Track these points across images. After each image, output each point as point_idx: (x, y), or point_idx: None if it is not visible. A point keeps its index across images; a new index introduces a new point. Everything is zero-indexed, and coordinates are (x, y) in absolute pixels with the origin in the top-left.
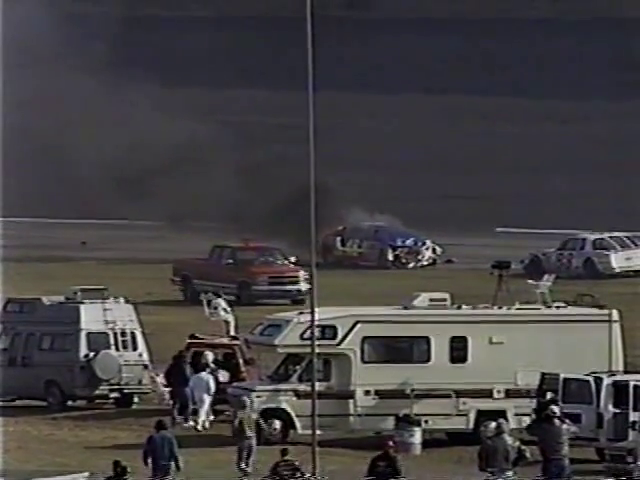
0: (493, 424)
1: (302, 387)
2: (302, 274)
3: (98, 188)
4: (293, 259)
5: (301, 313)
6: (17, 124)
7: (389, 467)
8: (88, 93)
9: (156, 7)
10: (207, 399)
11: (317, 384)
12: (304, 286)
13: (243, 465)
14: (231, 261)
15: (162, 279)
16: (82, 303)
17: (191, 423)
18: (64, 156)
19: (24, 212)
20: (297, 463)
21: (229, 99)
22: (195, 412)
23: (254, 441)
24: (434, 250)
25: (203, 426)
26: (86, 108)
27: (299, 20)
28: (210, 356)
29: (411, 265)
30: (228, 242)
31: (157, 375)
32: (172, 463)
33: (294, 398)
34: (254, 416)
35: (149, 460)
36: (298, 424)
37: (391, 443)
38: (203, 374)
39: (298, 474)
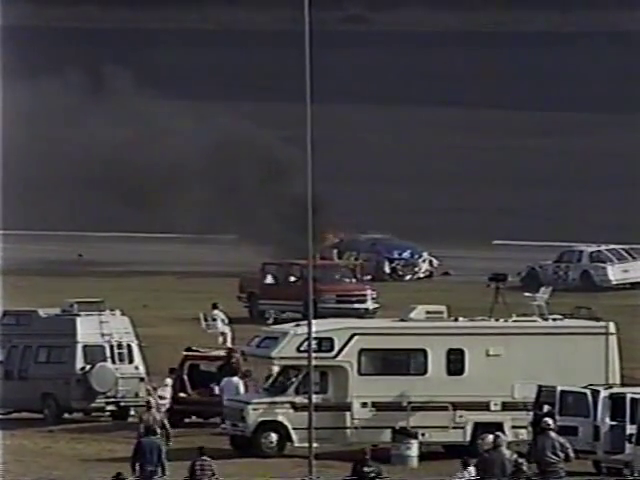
0: (490, 437)
1: (299, 399)
2: (370, 292)
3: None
4: (368, 278)
5: (298, 325)
6: (13, 136)
7: (377, 476)
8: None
9: (157, 21)
10: None
11: (314, 397)
12: (371, 305)
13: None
14: (295, 279)
15: (159, 291)
16: (78, 315)
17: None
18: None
19: (21, 224)
20: (212, 464)
21: (228, 111)
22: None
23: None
24: (431, 262)
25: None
26: (79, 122)
27: (298, 34)
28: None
29: (408, 277)
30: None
31: (155, 389)
32: (159, 469)
33: (291, 411)
34: (159, 417)
35: (137, 467)
36: (295, 437)
37: (367, 450)
38: (234, 378)
39: (211, 473)
